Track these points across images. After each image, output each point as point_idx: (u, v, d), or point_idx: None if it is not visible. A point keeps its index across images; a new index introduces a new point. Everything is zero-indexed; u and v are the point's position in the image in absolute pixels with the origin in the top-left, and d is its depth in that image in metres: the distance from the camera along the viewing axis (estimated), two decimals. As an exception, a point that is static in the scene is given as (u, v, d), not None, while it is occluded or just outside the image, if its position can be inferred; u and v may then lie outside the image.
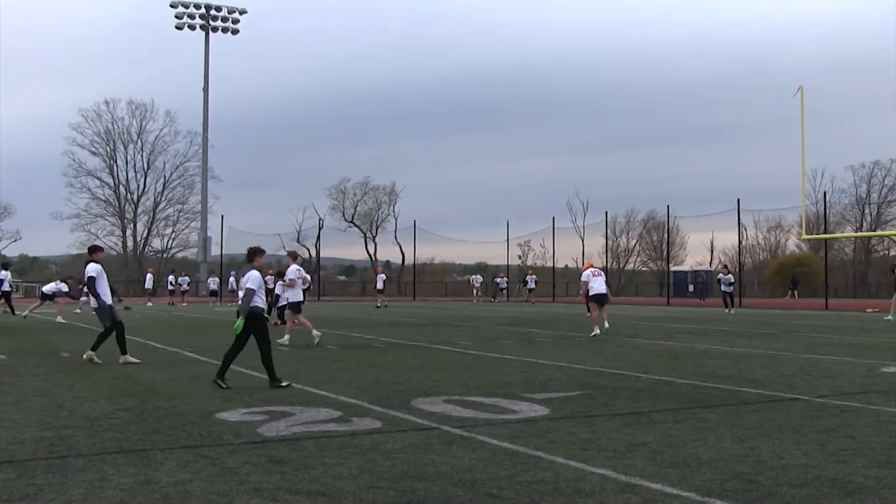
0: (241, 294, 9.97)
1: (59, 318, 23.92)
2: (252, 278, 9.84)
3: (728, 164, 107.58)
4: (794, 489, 5.08)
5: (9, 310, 28.28)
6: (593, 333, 18.38)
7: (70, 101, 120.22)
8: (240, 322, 9.73)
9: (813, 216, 54.45)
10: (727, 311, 32.01)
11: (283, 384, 9.62)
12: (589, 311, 23.86)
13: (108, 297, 12.30)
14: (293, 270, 16.19)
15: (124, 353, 12.33)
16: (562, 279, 57.96)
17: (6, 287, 29.25)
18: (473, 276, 53.37)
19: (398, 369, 11.64)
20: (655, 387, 9.83)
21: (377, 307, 37.12)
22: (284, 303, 23.31)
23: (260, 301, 9.83)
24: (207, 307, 38.96)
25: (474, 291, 51.16)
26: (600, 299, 19.32)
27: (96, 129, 73.00)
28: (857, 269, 69.53)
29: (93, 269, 12.26)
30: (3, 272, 29.36)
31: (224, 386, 9.48)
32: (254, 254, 10.40)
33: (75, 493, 4.97)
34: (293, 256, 17.19)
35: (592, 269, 20.29)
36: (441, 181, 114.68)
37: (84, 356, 12.31)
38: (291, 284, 16.08)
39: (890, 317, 25.48)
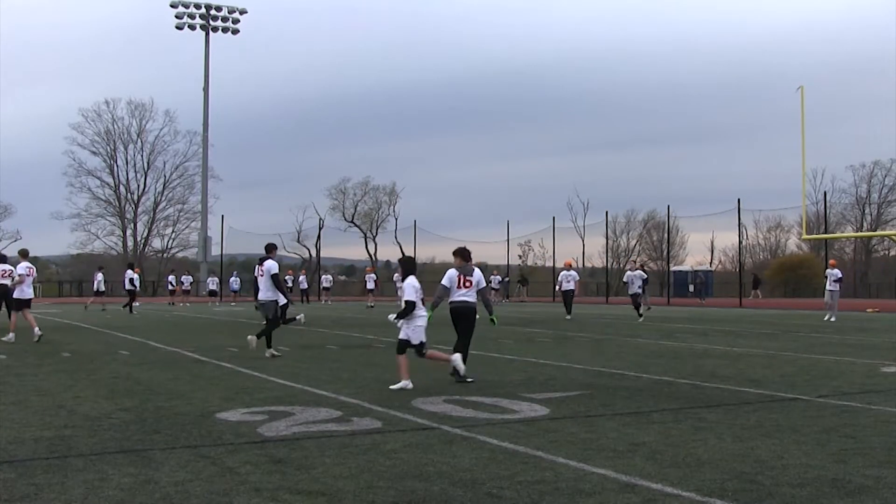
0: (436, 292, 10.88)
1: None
2: (454, 277, 10.76)
3: (728, 164, 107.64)
4: (794, 489, 5.08)
5: (128, 308, 30.70)
6: None
7: (70, 101, 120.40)
8: (496, 315, 11.03)
9: (813, 216, 54.45)
10: (639, 318, 25.11)
11: (469, 379, 10.09)
12: (568, 311, 25.98)
13: (277, 293, 13.38)
14: (23, 267, 16.60)
15: (269, 345, 13.24)
16: (562, 279, 57.73)
17: (128, 286, 31.76)
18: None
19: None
20: (655, 387, 9.83)
21: (369, 306, 37.19)
22: (284, 301, 23.50)
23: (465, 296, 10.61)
24: (207, 307, 38.98)
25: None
26: None
27: (96, 129, 73.09)
28: (857, 269, 69.49)
29: (275, 266, 13.35)
30: (130, 272, 31.46)
31: (469, 379, 10.02)
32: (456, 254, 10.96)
33: (75, 493, 4.97)
34: (24, 254, 17.67)
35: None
36: (441, 181, 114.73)
37: (266, 353, 13.03)
38: (22, 280, 16.44)
39: (832, 318, 25.36)
